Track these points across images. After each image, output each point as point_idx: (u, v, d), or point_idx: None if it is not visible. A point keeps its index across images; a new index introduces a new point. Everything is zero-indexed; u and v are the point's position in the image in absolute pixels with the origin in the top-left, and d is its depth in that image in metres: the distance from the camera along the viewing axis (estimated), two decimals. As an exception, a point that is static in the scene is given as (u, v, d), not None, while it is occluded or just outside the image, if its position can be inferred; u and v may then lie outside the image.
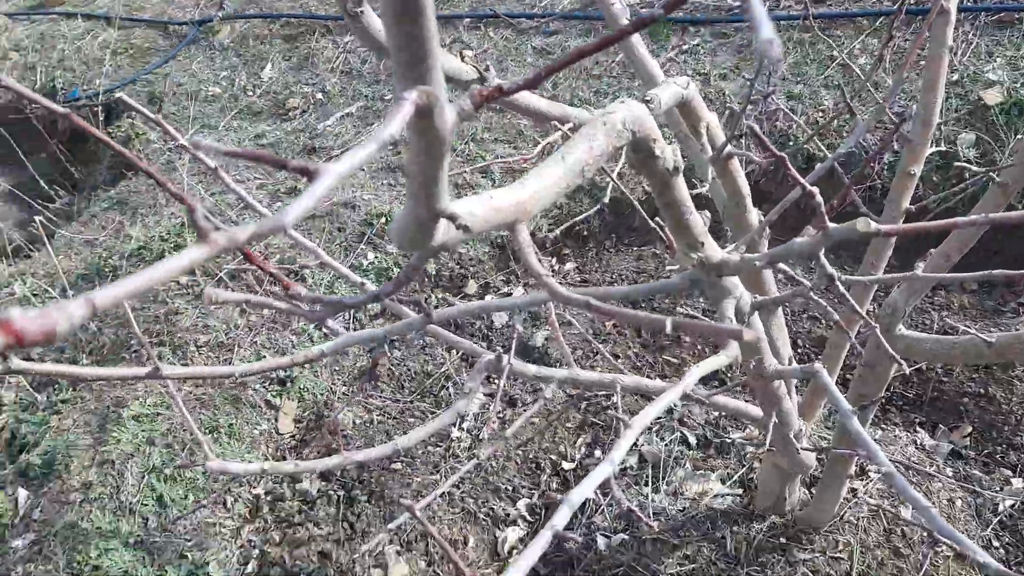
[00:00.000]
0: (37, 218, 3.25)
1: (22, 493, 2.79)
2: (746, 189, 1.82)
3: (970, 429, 2.69)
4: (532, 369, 1.84)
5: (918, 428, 2.75)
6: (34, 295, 3.57)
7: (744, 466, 2.64)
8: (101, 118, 4.74)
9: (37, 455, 2.86)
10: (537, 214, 0.82)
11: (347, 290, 3.22)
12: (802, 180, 0.76)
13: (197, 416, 2.90)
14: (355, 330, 2.99)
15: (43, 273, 3.73)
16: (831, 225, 0.80)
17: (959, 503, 2.48)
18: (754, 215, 1.85)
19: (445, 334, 1.76)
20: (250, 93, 4.66)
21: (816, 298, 1.24)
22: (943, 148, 2.52)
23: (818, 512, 2.36)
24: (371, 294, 0.75)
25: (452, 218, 0.64)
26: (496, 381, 3.08)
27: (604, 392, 2.97)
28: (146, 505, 2.67)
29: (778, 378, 1.47)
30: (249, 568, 2.63)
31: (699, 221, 1.06)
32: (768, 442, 1.56)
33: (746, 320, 1.28)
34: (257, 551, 2.66)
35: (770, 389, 1.53)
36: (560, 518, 0.86)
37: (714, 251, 1.10)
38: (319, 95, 4.47)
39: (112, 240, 3.74)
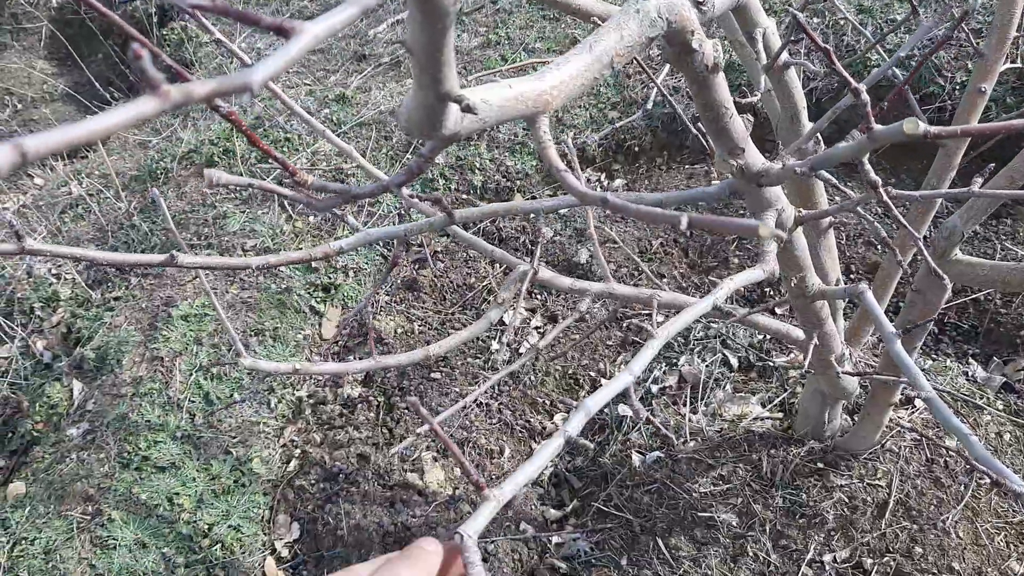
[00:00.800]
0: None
1: (77, 385, 2.89)
2: (802, 102, 1.74)
3: (1025, 363, 2.60)
4: (567, 281, 1.82)
5: (971, 360, 2.67)
6: (89, 195, 3.63)
7: (786, 391, 2.60)
8: (155, 21, 4.73)
9: (91, 349, 2.95)
10: (564, 109, 0.77)
11: (393, 201, 3.21)
12: (847, 75, 0.70)
13: (243, 319, 2.95)
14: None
15: (98, 174, 3.79)
16: (876, 127, 0.74)
17: (1007, 436, 2.41)
18: (809, 131, 1.76)
19: (471, 238, 1.73)
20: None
21: (863, 214, 1.18)
22: (1019, 65, 2.36)
23: (858, 439, 2.32)
24: (379, 184, 0.72)
25: (458, 100, 0.60)
26: (538, 296, 3.07)
27: (646, 311, 2.94)
28: (193, 401, 2.75)
29: (821, 298, 1.42)
30: (291, 466, 2.70)
31: (740, 125, 1.01)
32: (807, 364, 1.52)
33: (788, 235, 1.23)
34: (299, 451, 2.73)
35: (812, 309, 1.48)
36: (574, 424, 0.84)
37: (755, 158, 1.04)
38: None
39: (164, 142, 3.76)
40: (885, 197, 0.80)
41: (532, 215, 3.21)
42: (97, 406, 2.80)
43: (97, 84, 4.56)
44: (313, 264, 3.09)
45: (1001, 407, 2.49)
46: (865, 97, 0.74)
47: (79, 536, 2.49)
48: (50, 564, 2.44)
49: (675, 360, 2.76)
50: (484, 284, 3.09)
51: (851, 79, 0.75)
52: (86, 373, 2.94)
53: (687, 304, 1.73)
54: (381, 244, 3.17)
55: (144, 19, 4.71)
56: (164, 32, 4.63)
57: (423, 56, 0.58)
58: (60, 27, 5.06)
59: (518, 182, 3.34)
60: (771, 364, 2.67)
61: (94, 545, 2.48)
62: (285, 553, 2.55)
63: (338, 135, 3.41)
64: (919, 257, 2.49)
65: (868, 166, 0.80)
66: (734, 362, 2.71)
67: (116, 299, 3.12)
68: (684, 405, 2.63)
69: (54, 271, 3.32)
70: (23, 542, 2.51)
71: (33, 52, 5.08)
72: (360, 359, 2.97)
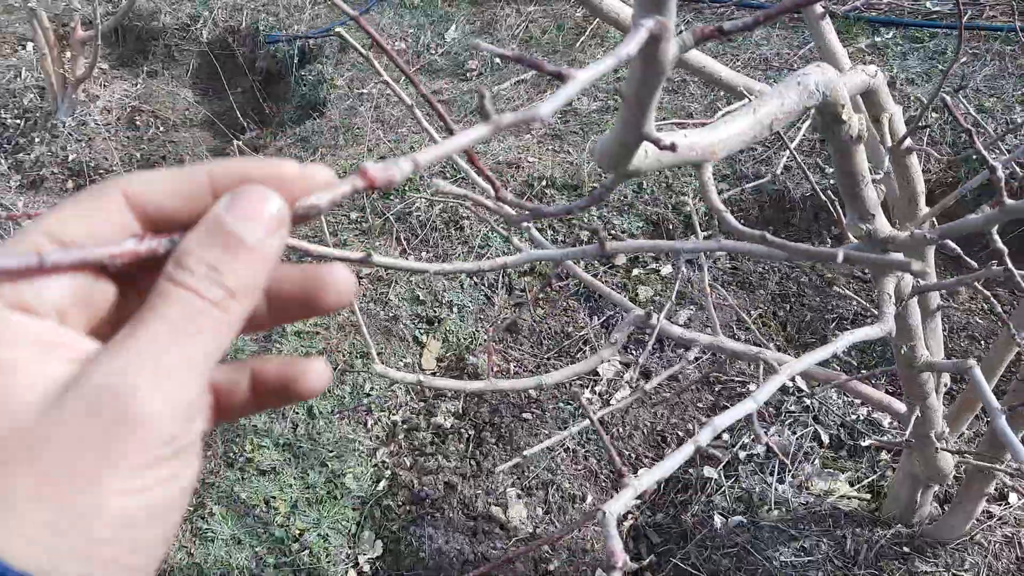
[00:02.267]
0: (236, 143, 3.54)
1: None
2: (921, 186, 1.81)
3: None
4: (677, 330, 1.91)
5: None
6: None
7: (876, 473, 2.61)
8: (295, 61, 5.07)
9: (208, 354, 3.15)
10: (675, 176, 0.89)
11: (501, 244, 3.36)
12: (984, 152, 0.80)
13: (352, 340, 3.12)
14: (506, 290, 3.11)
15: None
16: (1008, 200, 0.83)
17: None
18: (925, 211, 1.83)
19: (591, 280, 1.85)
20: (433, 52, 4.87)
21: (980, 287, 1.25)
22: None
23: (947, 527, 2.32)
24: (565, 207, 0.84)
25: (656, 141, 0.72)
26: (633, 352, 3.15)
27: (739, 379, 2.99)
28: (297, 412, 2.91)
29: (928, 370, 1.48)
30: (380, 486, 2.82)
31: (873, 193, 1.10)
32: (907, 436, 1.57)
33: (905, 304, 1.31)
34: (389, 472, 2.85)
35: (918, 381, 1.54)
36: (704, 436, 0.94)
37: (883, 225, 1.14)
38: (496, 60, 4.63)
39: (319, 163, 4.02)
40: (1009, 264, 0.88)
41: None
42: (209, 407, 2.99)
43: (237, 112, 4.90)
44: (421, 296, 3.25)
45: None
46: (1000, 174, 0.83)
47: (182, 525, 2.66)
48: (152, 548, 2.61)
49: (765, 429, 2.79)
50: (581, 334, 3.19)
51: (986, 154, 0.85)
52: (201, 375, 3.14)
53: (790, 365, 1.81)
54: (485, 285, 3.32)
55: (286, 59, 5.06)
56: (302, 73, 4.96)
57: (635, 101, 0.70)
58: (207, 62, 5.47)
59: (624, 239, 3.46)
60: (862, 444, 2.69)
61: (194, 535, 2.64)
62: (367, 568, 2.66)
63: (458, 182, 3.60)
64: None
65: (996, 236, 0.89)
66: (825, 438, 2.73)
67: (236, 310, 3.33)
68: (771, 475, 2.66)
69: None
70: (129, 524, 2.68)
71: (180, 81, 5.49)
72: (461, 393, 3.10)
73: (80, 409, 0.31)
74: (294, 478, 2.77)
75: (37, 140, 4.87)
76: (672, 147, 0.71)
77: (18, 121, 4.99)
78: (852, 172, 1.06)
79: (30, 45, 5.29)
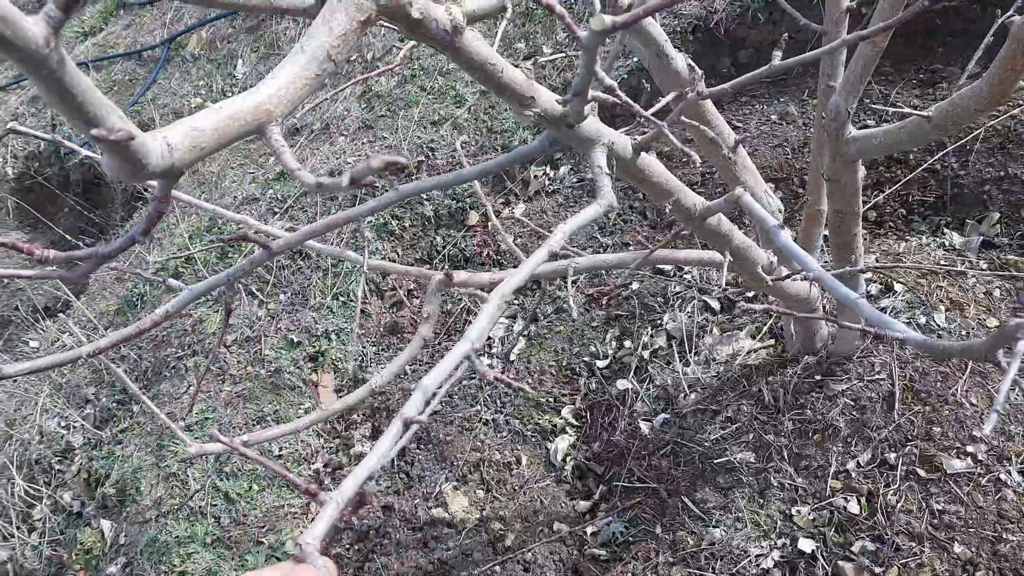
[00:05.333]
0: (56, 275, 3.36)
1: (106, 524, 2.95)
2: (663, 35, 1.73)
3: (997, 216, 2.55)
4: (486, 276, 1.82)
5: (945, 230, 2.62)
6: (78, 343, 3.72)
7: (771, 316, 2.57)
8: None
9: (111, 486, 3.00)
10: (288, 114, 0.79)
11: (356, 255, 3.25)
12: None
13: (243, 411, 2.99)
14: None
15: (86, 319, 3.88)
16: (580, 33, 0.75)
17: (997, 292, 2.36)
18: (680, 60, 1.76)
19: (396, 267, 1.75)
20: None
21: (688, 121, 1.18)
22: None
23: (846, 341, 2.29)
24: (126, 238, 0.74)
25: (104, 139, 0.61)
26: (516, 302, 3.07)
27: (623, 282, 2.93)
28: (215, 505, 2.78)
29: (709, 215, 1.41)
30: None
31: (519, 75, 1.01)
32: (730, 279, 1.51)
33: (632, 165, 1.23)
34: (327, 520, 2.74)
35: (709, 229, 1.47)
36: (412, 406, 0.85)
37: (549, 102, 1.05)
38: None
39: (134, 269, 3.85)
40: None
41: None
42: (128, 538, 2.85)
43: (69, 238, 4.68)
44: (295, 339, 3.13)
45: (985, 265, 2.44)
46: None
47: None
48: None
49: (659, 321, 2.74)
50: (461, 306, 3.10)
51: None
52: (111, 510, 3.00)
53: (604, 261, 1.73)
54: (354, 299, 3.21)
55: (94, 163, 4.84)
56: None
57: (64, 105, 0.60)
58: (23, 195, 5.22)
59: (468, 200, 3.36)
60: (749, 295, 2.65)
61: (157, 670, 2.51)
62: (340, 622, 2.56)
63: (285, 209, 3.47)
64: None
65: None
66: (715, 305, 2.69)
67: (123, 431, 3.18)
68: (678, 361, 2.60)
69: (63, 424, 3.40)
70: None
71: (4, 225, 5.24)
72: (368, 415, 2.99)
73: None
74: (234, 569, 2.65)
75: None
76: (121, 142, 0.60)
77: None
78: (477, 66, 0.96)
79: None
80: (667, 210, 1.38)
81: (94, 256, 0.76)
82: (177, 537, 2.72)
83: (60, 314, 4.36)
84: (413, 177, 3.34)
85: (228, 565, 2.65)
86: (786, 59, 1.06)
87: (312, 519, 2.68)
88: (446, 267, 3.24)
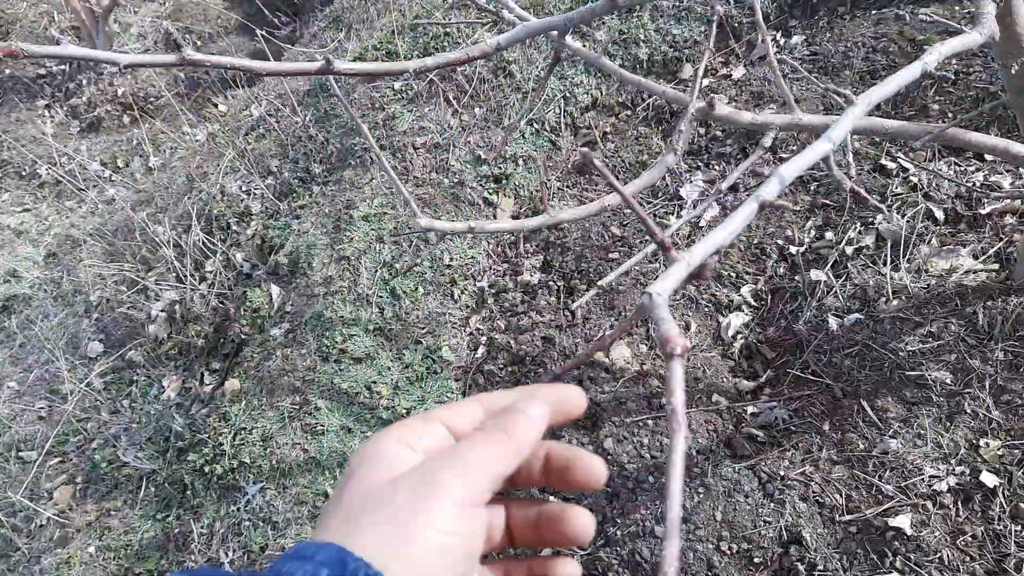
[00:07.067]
0: (259, 33, 3.38)
1: (275, 289, 3.07)
2: None
3: None
4: (747, 116, 1.70)
5: None
6: (269, 115, 3.79)
7: (1002, 239, 2.36)
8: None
9: (284, 255, 3.11)
10: None
11: (557, 82, 3.13)
12: None
13: (422, 211, 3.00)
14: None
15: (275, 94, 3.94)
16: None
17: None
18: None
19: (628, 75, 1.65)
20: None
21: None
22: None
23: (1093, 284, 2.07)
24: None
25: None
26: (716, 168, 2.93)
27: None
28: (381, 296, 2.84)
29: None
30: (479, 353, 2.76)
31: None
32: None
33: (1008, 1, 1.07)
34: (485, 338, 2.78)
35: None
36: (769, 189, 0.77)
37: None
38: None
39: (332, 55, 3.85)
40: None
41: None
42: (294, 307, 2.97)
43: (267, 12, 4.72)
44: (483, 156, 3.09)
45: None
46: None
47: (290, 424, 2.67)
48: (267, 450, 2.64)
49: (871, 219, 2.56)
50: (658, 160, 2.98)
51: None
52: (281, 278, 3.12)
53: (885, 126, 1.58)
54: (547, 130, 3.12)
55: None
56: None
57: None
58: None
59: (686, 51, 3.17)
60: (982, 213, 2.43)
61: (305, 431, 2.65)
62: (480, 434, 2.63)
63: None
64: None
65: None
66: (939, 215, 2.48)
67: (301, 207, 3.26)
68: (884, 264, 2.44)
69: (244, 188, 3.51)
70: (243, 432, 2.72)
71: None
72: (540, 245, 2.96)
73: (416, 475, 0.50)
74: (391, 360, 2.73)
75: (84, 82, 4.84)
76: None
77: (63, 67, 4.96)
78: None
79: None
80: (1007, 71, 1.21)
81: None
82: (342, 317, 2.80)
83: (244, 86, 4.45)
84: None
85: (386, 355, 2.73)
86: None
87: (471, 332, 2.71)
88: (649, 116, 3.10)
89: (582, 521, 0.56)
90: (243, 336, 3.07)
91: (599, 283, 1.58)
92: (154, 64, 0.80)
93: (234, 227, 3.40)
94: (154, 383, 3.24)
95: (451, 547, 0.47)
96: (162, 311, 3.35)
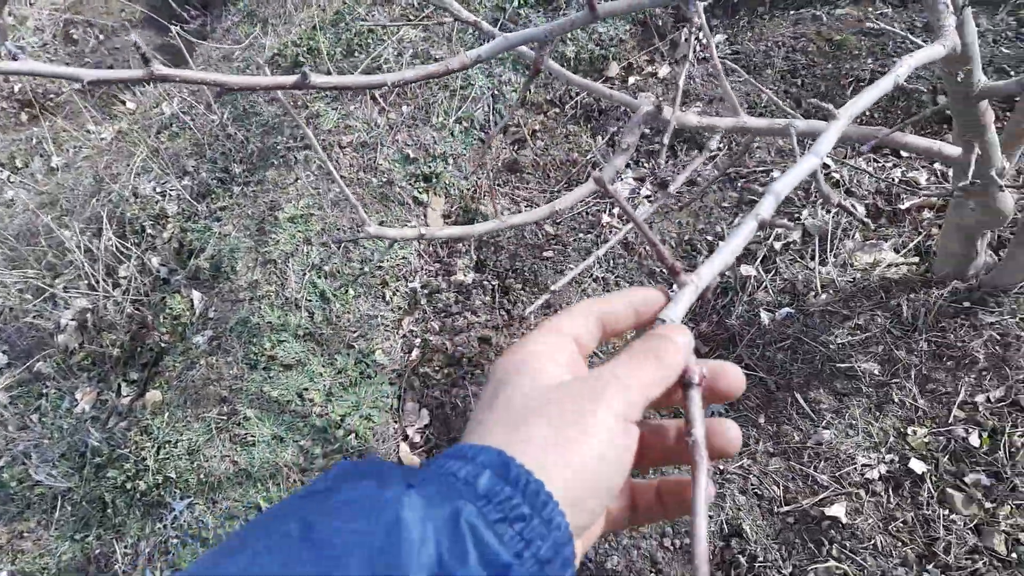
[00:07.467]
0: (174, 30, 3.24)
1: (196, 294, 2.95)
2: None
3: None
4: (694, 119, 1.70)
5: None
6: (183, 112, 3.65)
7: (920, 233, 2.45)
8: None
9: (205, 259, 2.99)
10: None
11: (484, 80, 3.11)
12: None
13: (349, 216, 2.94)
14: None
15: (188, 91, 3.79)
16: None
17: None
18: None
19: (584, 82, 1.64)
20: None
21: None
22: None
23: (1007, 273, 2.17)
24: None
25: None
26: (645, 165, 2.95)
27: (761, 168, 2.80)
28: (310, 300, 2.77)
29: (989, 96, 1.28)
30: (413, 355, 2.71)
31: None
32: (964, 182, 1.40)
33: (960, 11, 1.10)
34: (419, 339, 2.73)
35: (975, 113, 1.34)
36: (766, 207, 0.76)
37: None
38: None
39: (247, 52, 3.73)
40: None
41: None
42: (218, 313, 2.86)
43: (174, 4, 4.54)
44: (411, 155, 3.03)
45: None
46: None
47: (218, 435, 2.57)
48: (194, 463, 2.54)
49: (796, 215, 2.62)
50: (588, 158, 2.99)
51: None
52: (203, 283, 3.00)
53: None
54: (476, 127, 3.09)
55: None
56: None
57: None
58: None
59: (611, 50, 3.19)
60: (901, 208, 2.52)
61: (234, 442, 2.56)
62: (418, 439, 2.59)
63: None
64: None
65: None
66: (861, 210, 2.56)
67: (222, 209, 3.14)
68: (812, 259, 2.51)
69: (159, 189, 3.36)
70: (167, 445, 2.60)
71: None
72: (473, 242, 2.93)
73: (576, 387, 0.51)
74: (322, 366, 2.65)
75: (-24, 79, 4.56)
76: None
77: (-49, 63, 4.65)
78: None
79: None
80: (950, 81, 1.25)
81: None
82: (270, 322, 2.72)
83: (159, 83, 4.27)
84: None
85: (317, 360, 2.66)
86: None
87: (404, 334, 2.66)
88: (578, 114, 3.11)
89: (732, 433, 0.57)
90: (163, 344, 2.95)
91: (552, 288, 1.56)
92: (119, 79, 0.74)
93: (149, 230, 3.26)
94: (66, 396, 3.08)
95: (611, 458, 0.49)
96: (72, 320, 3.18)
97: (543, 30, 0.90)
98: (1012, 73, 2.63)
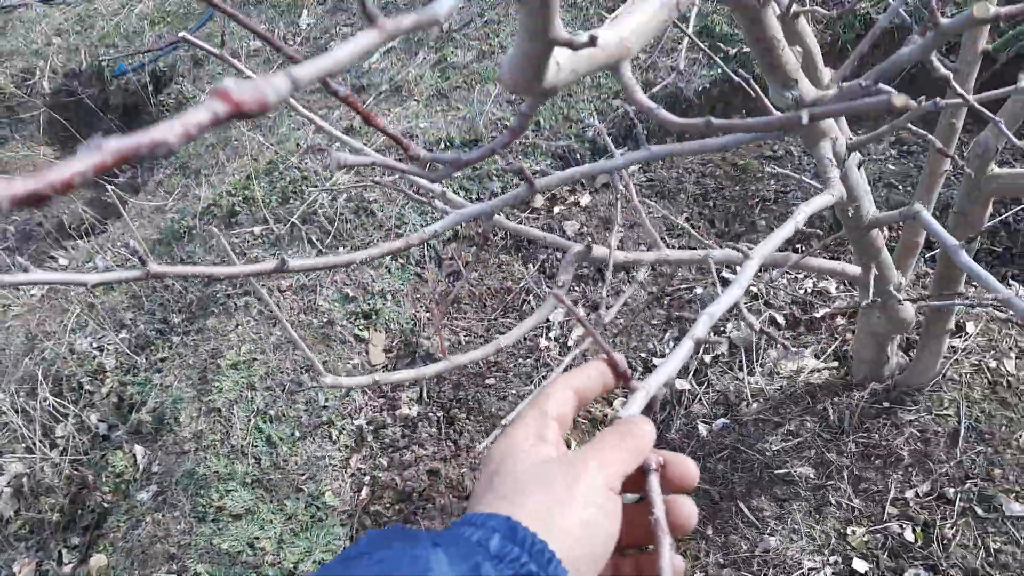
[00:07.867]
0: (109, 187, 3.32)
1: (139, 449, 2.93)
2: (816, 48, 1.76)
3: (1069, 275, 2.61)
4: (620, 255, 1.84)
5: (1011, 281, 2.68)
6: (117, 265, 3.68)
7: (836, 339, 2.61)
8: (151, 89, 4.80)
9: (146, 412, 2.98)
10: (636, 54, 0.80)
11: (417, 218, 3.25)
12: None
13: (291, 358, 2.99)
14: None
15: (121, 244, 3.84)
16: (943, 19, 0.77)
17: (1066, 348, 2.42)
18: (826, 74, 1.79)
19: (523, 228, 1.76)
20: (290, 42, 4.66)
21: (915, 128, 1.20)
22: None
23: (918, 373, 2.33)
24: (487, 148, 0.75)
25: (570, 43, 0.63)
26: (575, 288, 3.09)
27: (685, 286, 2.96)
28: (256, 446, 2.77)
29: (876, 225, 1.44)
30: (363, 494, 2.72)
31: (791, 57, 1.04)
32: (867, 300, 1.54)
33: (843, 164, 1.26)
34: (368, 477, 2.75)
35: (868, 240, 1.51)
36: (701, 328, 0.87)
37: (808, 87, 1.07)
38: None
39: (181, 203, 3.82)
40: (959, 89, 0.82)
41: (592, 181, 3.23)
42: (163, 467, 2.83)
43: (103, 160, 4.62)
44: (350, 294, 3.12)
45: (1054, 321, 2.50)
46: (930, -6, 0.76)
47: (170, 595, 2.52)
48: (145, 625, 2.47)
49: (722, 328, 2.77)
50: (521, 285, 3.12)
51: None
52: (145, 437, 2.98)
53: (739, 258, 1.76)
54: (412, 263, 3.21)
55: (139, 89, 4.79)
56: (160, 99, 4.70)
57: (536, 3, 0.61)
58: (58, 112, 5.15)
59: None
60: (816, 316, 2.69)
61: (185, 600, 2.50)
62: (372, 579, 2.57)
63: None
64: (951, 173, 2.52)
65: (937, 63, 0.82)
66: (780, 320, 2.73)
67: (162, 360, 3.15)
68: (740, 370, 2.64)
69: (95, 344, 3.36)
70: (115, 609, 2.53)
71: (34, 140, 5.16)
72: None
73: (565, 461, 0.57)
74: (272, 513, 2.64)
75: (-100, 242, 4.52)
76: (592, 42, 0.62)
77: None
78: (766, 37, 0.98)
79: None
80: (843, 214, 1.41)
81: (456, 161, 0.77)
82: (216, 472, 2.71)
83: (84, 236, 4.31)
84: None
85: (267, 507, 2.64)
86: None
87: (352, 473, 2.67)
88: (508, 244, 3.26)
89: (687, 509, 0.62)
90: (106, 504, 2.89)
91: (503, 423, 1.64)
92: (120, 280, 0.82)
93: (87, 386, 3.24)
94: (2, 570, 2.96)
95: (599, 522, 0.55)
96: (7, 486, 3.10)
97: (489, 205, 1.01)
98: (900, 187, 2.89)
